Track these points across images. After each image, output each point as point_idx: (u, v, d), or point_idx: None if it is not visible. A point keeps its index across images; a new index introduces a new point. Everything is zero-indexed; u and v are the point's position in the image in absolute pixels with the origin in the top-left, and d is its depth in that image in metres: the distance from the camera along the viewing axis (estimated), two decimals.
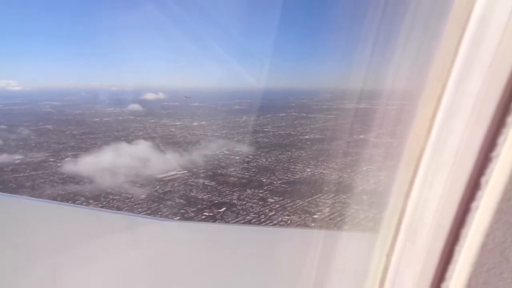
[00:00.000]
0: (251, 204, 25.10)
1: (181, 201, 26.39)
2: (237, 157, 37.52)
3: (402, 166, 0.62)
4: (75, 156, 36.96)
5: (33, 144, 41.60)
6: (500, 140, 0.50)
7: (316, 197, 25.81)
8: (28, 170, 32.53)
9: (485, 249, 0.52)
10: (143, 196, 26.88)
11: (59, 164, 34.76)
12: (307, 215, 23.42)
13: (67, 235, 2.67)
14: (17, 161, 35.38)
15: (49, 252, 2.38)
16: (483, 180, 0.52)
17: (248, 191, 27.33)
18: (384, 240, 0.66)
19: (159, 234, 2.80)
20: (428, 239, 0.58)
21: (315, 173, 31.65)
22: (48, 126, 53.81)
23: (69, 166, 33.87)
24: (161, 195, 27.42)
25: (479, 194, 0.53)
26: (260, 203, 25.27)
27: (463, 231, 0.55)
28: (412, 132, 0.60)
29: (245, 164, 34.67)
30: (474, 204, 0.54)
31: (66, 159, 36.25)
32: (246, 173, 31.98)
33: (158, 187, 28.98)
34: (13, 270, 2.12)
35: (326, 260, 1.18)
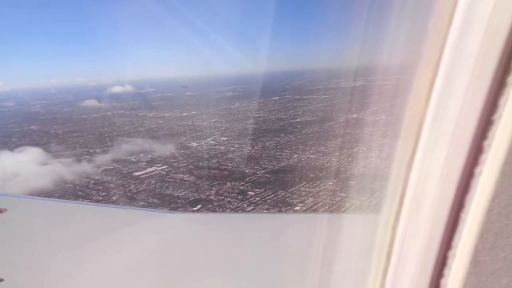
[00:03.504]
0: (229, 199, 23.28)
1: None
2: (222, 147, 35.58)
3: (402, 137, 0.60)
4: None
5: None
6: (502, 101, 0.48)
7: (300, 186, 23.92)
8: None
9: (491, 213, 0.51)
10: None
11: None
12: (289, 207, 21.64)
13: (75, 231, 2.70)
14: None
15: (58, 248, 2.42)
16: (485, 143, 0.51)
17: (228, 184, 25.50)
18: (389, 213, 0.64)
19: (168, 226, 2.81)
20: (433, 208, 0.57)
21: (302, 159, 29.64)
22: (33, 127, 52.44)
23: None
24: None
25: (482, 158, 0.51)
26: (239, 197, 23.45)
27: (468, 197, 0.54)
28: (412, 100, 0.58)
29: (230, 154, 32.78)
30: (477, 169, 0.52)
31: None
32: (229, 164, 30.12)
33: None
34: (24, 267, 2.15)
35: (332, 237, 1.19)
